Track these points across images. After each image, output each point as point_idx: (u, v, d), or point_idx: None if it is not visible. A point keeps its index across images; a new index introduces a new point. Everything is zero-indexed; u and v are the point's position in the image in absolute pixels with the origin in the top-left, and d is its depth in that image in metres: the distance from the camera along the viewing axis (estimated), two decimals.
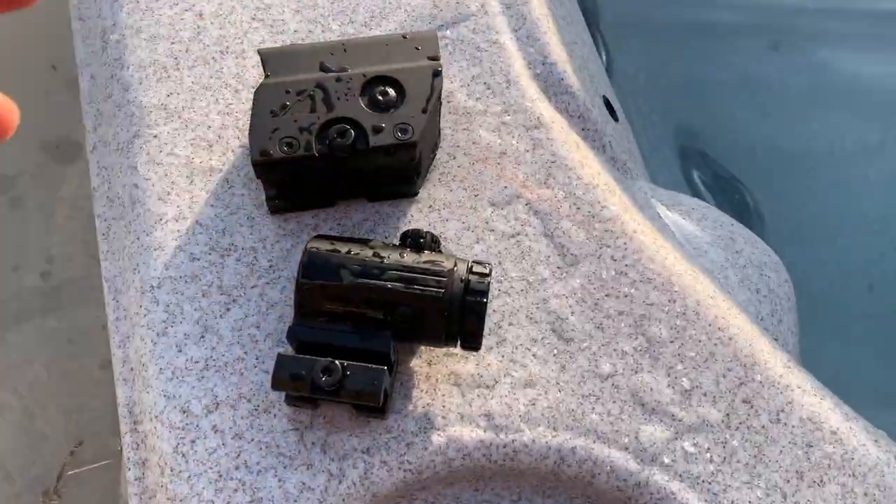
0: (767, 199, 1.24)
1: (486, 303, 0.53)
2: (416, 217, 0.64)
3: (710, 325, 0.60)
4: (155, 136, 0.67)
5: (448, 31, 0.72)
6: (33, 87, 1.35)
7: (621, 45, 1.31)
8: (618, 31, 1.32)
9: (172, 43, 0.71)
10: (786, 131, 1.29)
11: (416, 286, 0.53)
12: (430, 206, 0.65)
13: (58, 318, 1.21)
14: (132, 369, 0.62)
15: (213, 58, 0.70)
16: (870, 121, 1.29)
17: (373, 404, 0.51)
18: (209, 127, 0.67)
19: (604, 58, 1.32)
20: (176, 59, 0.70)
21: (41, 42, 1.38)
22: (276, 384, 0.52)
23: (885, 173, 1.26)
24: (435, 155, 0.66)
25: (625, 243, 0.63)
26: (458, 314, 0.53)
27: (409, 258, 0.54)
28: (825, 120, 1.29)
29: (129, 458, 0.60)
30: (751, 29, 1.35)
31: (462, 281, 0.53)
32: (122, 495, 1.05)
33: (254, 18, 0.73)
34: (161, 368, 0.58)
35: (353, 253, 0.54)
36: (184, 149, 0.66)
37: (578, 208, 0.64)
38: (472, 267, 0.54)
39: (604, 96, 0.79)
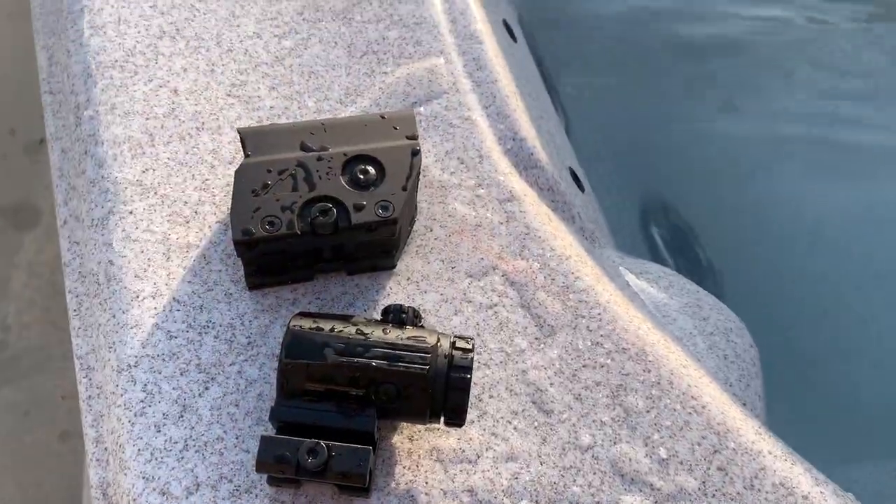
0: (723, 255, 1.28)
1: (470, 379, 0.54)
2: (395, 290, 0.65)
3: (683, 393, 0.62)
4: (130, 213, 0.67)
5: (422, 108, 0.74)
6: None
7: (578, 109, 1.36)
8: (575, 97, 1.36)
9: (147, 119, 0.72)
10: (742, 189, 1.33)
11: (400, 363, 0.53)
12: (409, 279, 0.66)
13: (14, 388, 1.17)
14: (107, 449, 0.61)
15: (188, 134, 0.71)
16: (826, 172, 1.34)
17: (359, 486, 0.51)
18: (186, 203, 0.67)
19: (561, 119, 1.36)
20: (151, 135, 0.71)
21: (0, 107, 1.37)
22: (261, 467, 0.51)
23: (841, 226, 1.31)
24: (412, 228, 0.68)
25: (599, 314, 0.65)
26: (443, 390, 0.54)
27: (393, 334, 0.55)
28: (781, 176, 1.34)
29: None
30: (703, 88, 1.41)
31: (446, 357, 0.54)
32: None
33: (229, 95, 0.74)
34: (139, 449, 0.57)
35: (336, 330, 0.55)
36: (160, 225, 0.66)
37: (553, 279, 0.66)
38: (455, 342, 0.55)
39: (570, 168, 0.81)
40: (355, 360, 0.53)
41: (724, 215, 1.31)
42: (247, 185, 0.60)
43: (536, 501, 0.57)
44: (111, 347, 0.62)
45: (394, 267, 0.66)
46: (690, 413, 0.61)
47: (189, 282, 0.64)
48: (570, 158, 0.85)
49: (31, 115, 1.35)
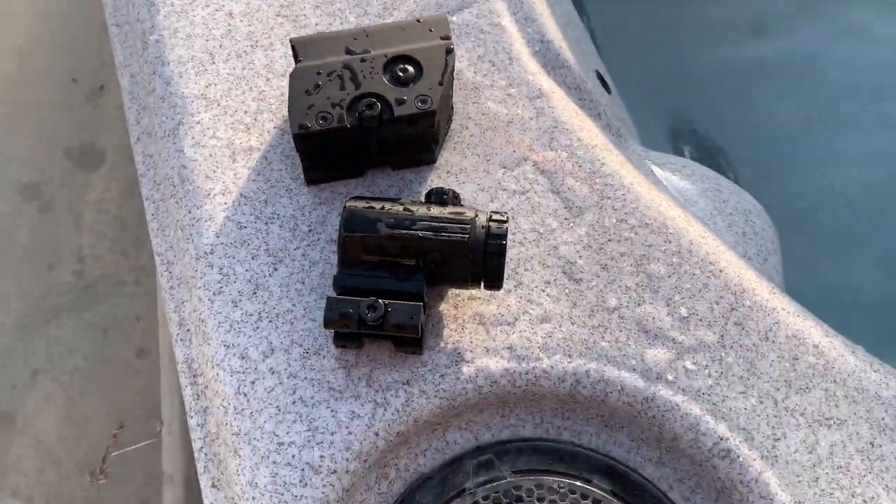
0: (750, 175, 1.31)
1: (505, 244, 0.60)
2: (436, 181, 0.72)
3: (702, 260, 0.68)
4: (198, 123, 0.74)
5: (454, 17, 0.80)
6: (57, 99, 1.43)
7: (609, 39, 1.39)
8: (605, 25, 1.39)
9: (207, 40, 0.79)
10: (767, 110, 1.36)
11: (443, 234, 0.60)
12: (448, 171, 0.72)
13: (93, 312, 1.28)
14: (189, 330, 0.69)
15: (244, 51, 0.78)
16: (847, 98, 1.36)
17: (412, 336, 0.59)
18: (246, 112, 0.75)
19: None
20: (211, 54, 0.78)
21: (63, 58, 1.46)
22: (328, 323, 0.59)
23: (862, 149, 1.33)
24: (449, 126, 0.74)
25: (623, 194, 0.71)
26: (482, 256, 0.61)
27: (436, 210, 0.62)
28: (802, 98, 1.37)
29: (190, 408, 0.68)
30: (735, 15, 1.43)
31: (483, 228, 0.61)
32: (165, 471, 1.12)
33: (278, 15, 0.80)
34: (220, 322, 0.66)
35: (386, 209, 0.62)
36: (224, 132, 0.74)
37: (580, 166, 0.72)
38: (491, 216, 0.62)
39: (596, 71, 0.87)
40: (405, 231, 0.60)
41: (754, 138, 1.34)
42: (300, 87, 0.67)
43: (569, 355, 0.64)
44: (189, 239, 0.70)
45: (434, 161, 0.72)
46: (709, 276, 0.67)
47: (253, 180, 0.71)
48: (596, 63, 0.90)
49: (90, 65, 1.44)
